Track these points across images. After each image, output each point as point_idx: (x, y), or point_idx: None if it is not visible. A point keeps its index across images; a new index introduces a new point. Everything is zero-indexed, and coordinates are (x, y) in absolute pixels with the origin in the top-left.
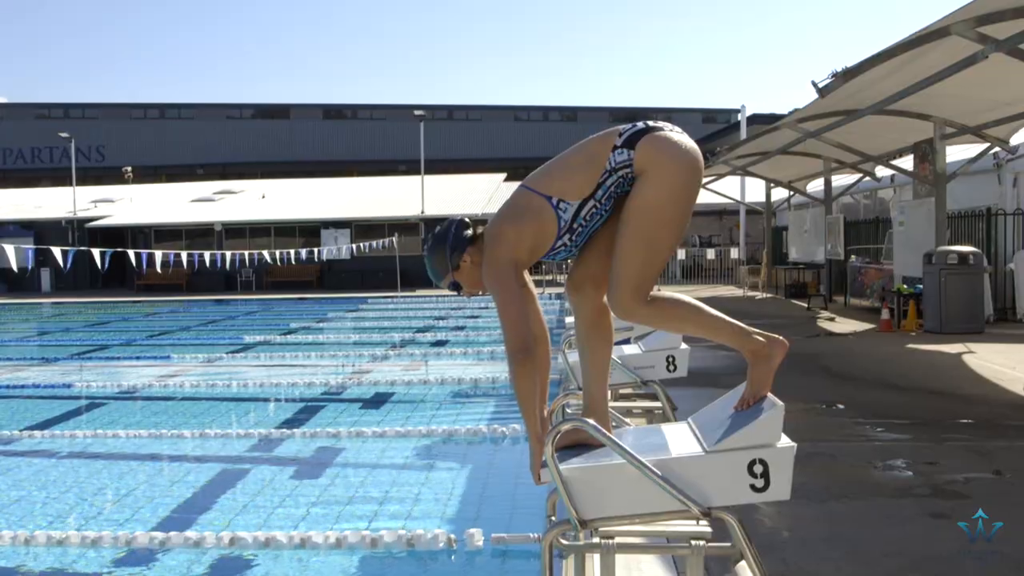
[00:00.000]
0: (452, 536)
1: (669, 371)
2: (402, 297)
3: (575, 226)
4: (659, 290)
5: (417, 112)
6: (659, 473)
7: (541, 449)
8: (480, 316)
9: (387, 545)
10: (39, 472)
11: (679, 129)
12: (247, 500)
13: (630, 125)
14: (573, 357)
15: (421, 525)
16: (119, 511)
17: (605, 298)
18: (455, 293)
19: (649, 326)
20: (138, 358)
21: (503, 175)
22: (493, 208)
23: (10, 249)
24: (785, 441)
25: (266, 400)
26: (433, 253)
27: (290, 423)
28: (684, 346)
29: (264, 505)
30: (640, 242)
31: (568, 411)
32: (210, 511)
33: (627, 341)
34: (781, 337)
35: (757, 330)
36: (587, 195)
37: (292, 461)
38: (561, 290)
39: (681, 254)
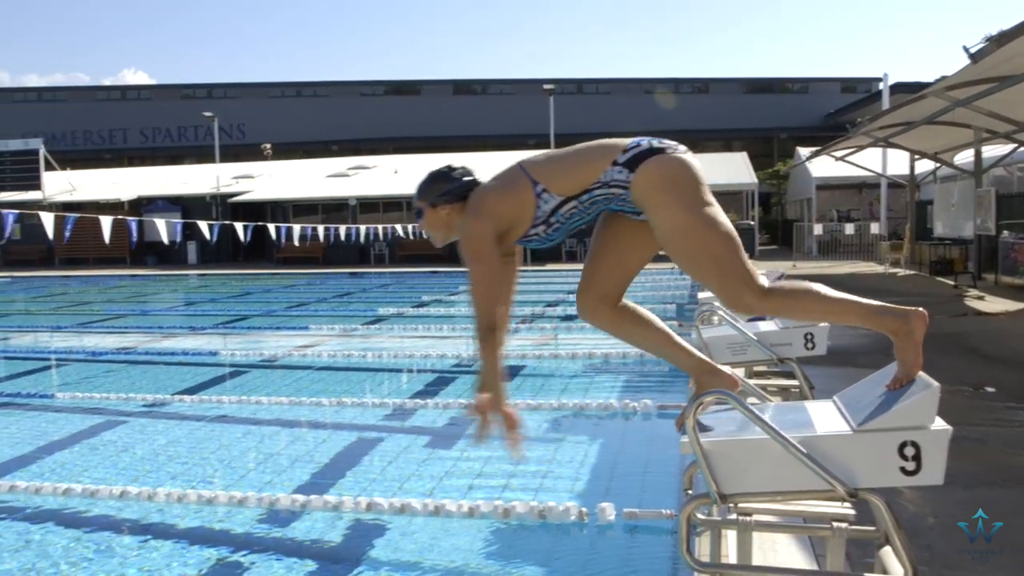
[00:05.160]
0: (584, 509)
1: (807, 349)
2: (531, 271)
3: (552, 220)
4: (783, 278)
5: (546, 86)
6: (804, 450)
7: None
8: None
9: (519, 516)
10: (188, 434)
11: (683, 148)
12: (382, 467)
13: (634, 142)
14: (707, 333)
15: (552, 497)
16: (262, 474)
17: (613, 305)
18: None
19: (778, 317)
20: (278, 328)
21: None
22: None
23: (161, 224)
24: (939, 424)
25: (400, 371)
26: (432, 182)
27: (423, 394)
28: (823, 323)
29: (398, 473)
30: (702, 261)
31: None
32: (347, 477)
33: (763, 318)
34: (918, 308)
35: (890, 305)
36: (571, 195)
37: (425, 431)
38: None
39: (818, 229)
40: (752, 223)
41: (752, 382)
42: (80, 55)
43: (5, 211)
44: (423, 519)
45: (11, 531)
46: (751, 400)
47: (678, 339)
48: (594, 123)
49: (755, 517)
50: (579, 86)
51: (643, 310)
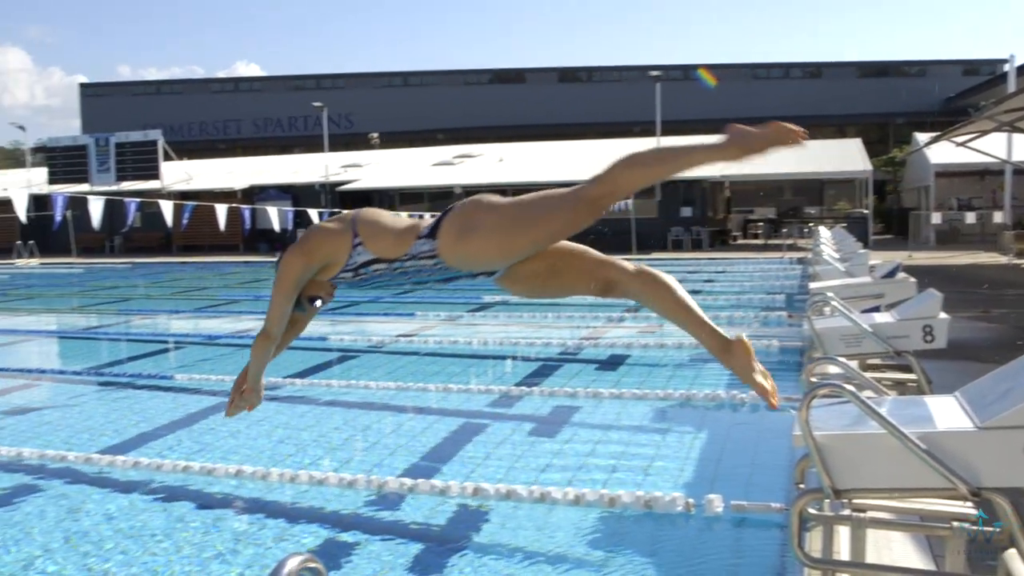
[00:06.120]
0: (691, 500)
1: (926, 342)
2: (636, 259)
3: (360, 271)
4: (899, 268)
5: (653, 73)
6: (923, 447)
7: (235, 393)
8: (716, 280)
9: (624, 505)
10: (298, 417)
11: (476, 197)
12: (487, 453)
13: (435, 219)
14: (820, 324)
15: (657, 487)
16: (370, 457)
17: (627, 268)
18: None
19: (622, 188)
20: (385, 315)
21: None
22: (725, 171)
23: (273, 212)
24: None
25: (505, 358)
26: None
27: (528, 381)
28: (943, 315)
29: (504, 459)
30: (537, 221)
31: (812, 380)
32: (453, 462)
33: (877, 309)
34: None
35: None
36: (383, 257)
37: (530, 418)
38: (802, 255)
39: (936, 218)
40: (866, 212)
41: (867, 375)
42: (196, 49)
43: (127, 199)
44: (528, 505)
45: (133, 504)
46: (867, 394)
47: (698, 312)
48: (700, 110)
49: (869, 514)
50: (685, 72)
51: (662, 276)
